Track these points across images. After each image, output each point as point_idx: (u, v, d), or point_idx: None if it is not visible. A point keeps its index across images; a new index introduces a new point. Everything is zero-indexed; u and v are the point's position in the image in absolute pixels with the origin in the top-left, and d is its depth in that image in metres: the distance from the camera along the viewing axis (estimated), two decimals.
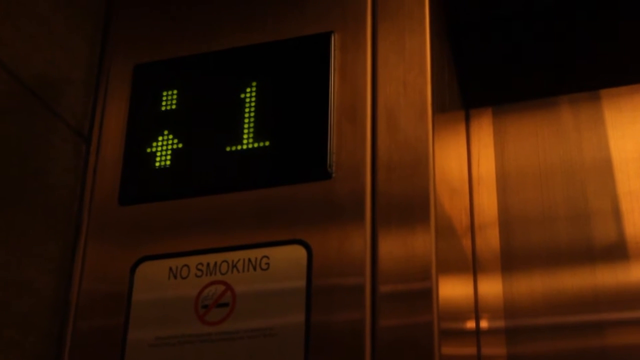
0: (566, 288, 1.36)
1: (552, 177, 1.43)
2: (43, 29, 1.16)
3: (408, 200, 1.05)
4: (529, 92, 1.45)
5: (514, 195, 1.43)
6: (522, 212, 1.42)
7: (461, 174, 1.38)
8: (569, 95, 1.45)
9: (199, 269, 1.08)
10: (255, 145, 1.12)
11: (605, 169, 1.41)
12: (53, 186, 1.15)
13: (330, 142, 1.10)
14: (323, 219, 1.06)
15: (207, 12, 1.24)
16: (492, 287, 1.39)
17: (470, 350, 1.30)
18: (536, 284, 1.37)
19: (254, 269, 1.06)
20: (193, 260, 1.08)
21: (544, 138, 1.45)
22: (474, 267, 1.40)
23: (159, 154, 1.16)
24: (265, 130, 1.13)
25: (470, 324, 1.32)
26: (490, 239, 1.41)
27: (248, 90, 1.15)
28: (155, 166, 1.15)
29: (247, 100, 1.15)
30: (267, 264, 1.06)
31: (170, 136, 1.16)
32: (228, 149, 1.13)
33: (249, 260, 1.07)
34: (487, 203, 1.43)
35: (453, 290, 1.17)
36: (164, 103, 1.18)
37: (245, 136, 1.13)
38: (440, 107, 1.17)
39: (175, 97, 1.18)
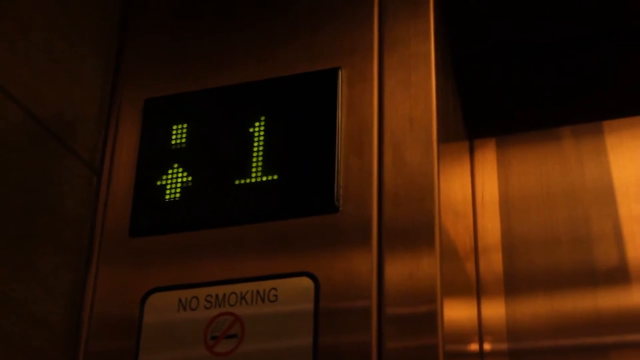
0: (568, 311, 1.37)
1: (555, 204, 1.44)
2: (59, 67, 1.18)
3: (414, 227, 1.07)
4: (532, 123, 1.46)
5: (518, 221, 1.44)
6: (525, 236, 1.43)
7: (465, 199, 1.40)
8: (571, 126, 1.47)
9: (208, 301, 1.09)
10: (264, 178, 1.14)
11: (607, 195, 1.42)
12: (66, 219, 1.16)
13: (338, 176, 1.11)
14: (330, 251, 1.08)
15: (215, 47, 1.25)
16: (495, 310, 1.40)
17: None
18: (539, 307, 1.38)
19: (262, 300, 1.07)
20: (202, 292, 1.10)
21: (547, 167, 1.47)
22: (478, 290, 1.41)
23: (168, 187, 1.17)
24: (274, 164, 1.14)
25: (474, 346, 1.33)
26: (493, 263, 1.43)
27: (257, 124, 1.17)
28: (165, 199, 1.17)
29: (256, 134, 1.17)
30: (275, 295, 1.07)
31: (180, 169, 1.18)
32: (237, 182, 1.15)
33: (257, 292, 1.08)
34: (491, 228, 1.45)
35: (457, 312, 1.19)
36: (173, 137, 1.20)
37: (253, 170, 1.15)
38: (445, 138, 1.19)
39: (185, 131, 1.20)
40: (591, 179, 1.44)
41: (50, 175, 1.15)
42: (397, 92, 1.14)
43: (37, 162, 1.12)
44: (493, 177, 1.48)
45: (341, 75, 1.17)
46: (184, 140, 1.20)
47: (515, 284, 1.40)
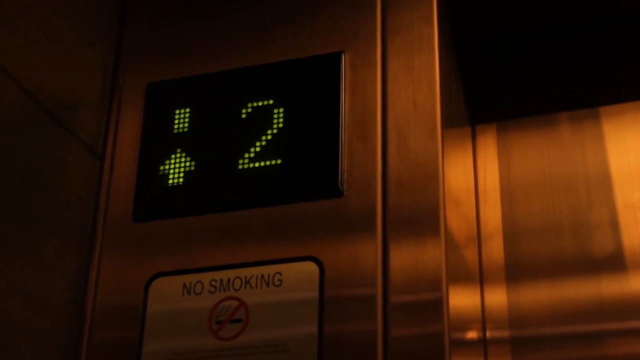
0: (571, 298, 1.37)
1: (557, 190, 1.44)
2: (60, 50, 1.17)
3: (418, 214, 1.06)
4: (533, 109, 1.47)
5: (519, 208, 1.44)
6: (527, 223, 1.43)
7: (468, 187, 1.40)
8: (572, 111, 1.47)
9: (212, 285, 1.09)
10: (268, 163, 1.13)
11: (608, 182, 1.42)
12: (68, 203, 1.16)
13: (342, 160, 1.11)
14: (335, 235, 1.07)
15: (218, 31, 1.25)
16: (498, 297, 1.40)
17: (479, 359, 1.31)
18: (541, 294, 1.38)
19: (267, 285, 1.07)
20: (206, 277, 1.09)
21: (549, 153, 1.47)
22: (481, 278, 1.41)
23: (171, 172, 1.17)
24: (278, 148, 1.14)
25: (478, 334, 1.33)
26: (496, 250, 1.43)
27: (260, 108, 1.17)
28: (168, 184, 1.16)
29: (259, 118, 1.16)
30: (280, 280, 1.07)
31: (183, 154, 1.17)
32: (240, 166, 1.14)
33: (262, 276, 1.08)
34: (493, 215, 1.45)
35: (462, 300, 1.19)
36: (176, 121, 1.19)
37: (257, 154, 1.14)
38: (449, 123, 1.18)
39: (187, 115, 1.19)
40: (593, 164, 1.44)
41: (52, 159, 1.14)
42: (400, 76, 1.14)
43: (38, 145, 1.12)
44: (494, 163, 1.48)
45: (345, 59, 1.16)
46: (186, 124, 1.19)
47: (517, 271, 1.41)
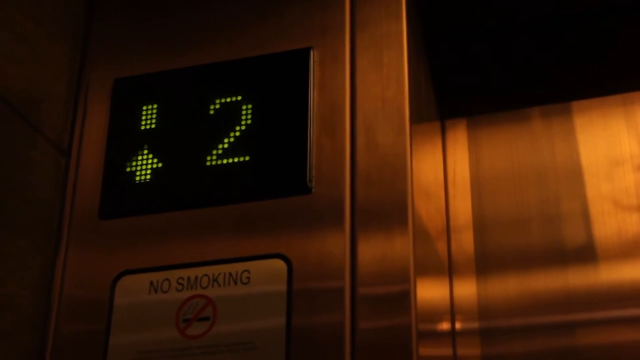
0: (539, 290, 1.38)
1: (526, 183, 1.45)
2: (24, 47, 1.16)
3: (386, 208, 1.06)
4: (503, 104, 1.47)
5: (489, 201, 1.45)
6: (496, 216, 1.44)
7: (437, 180, 1.40)
8: (541, 106, 1.48)
9: (179, 283, 1.08)
10: (236, 159, 1.13)
11: (576, 174, 1.43)
12: (33, 200, 1.14)
13: (310, 157, 1.10)
14: (303, 232, 1.07)
15: (186, 27, 1.24)
16: (467, 289, 1.41)
17: (447, 351, 1.32)
18: (510, 286, 1.39)
19: (235, 282, 1.07)
20: (174, 274, 1.09)
21: (518, 147, 1.47)
22: (450, 270, 1.42)
23: (139, 169, 1.16)
24: (246, 145, 1.13)
25: (446, 325, 1.34)
26: (466, 243, 1.43)
27: (228, 105, 1.16)
28: (135, 180, 1.15)
29: (228, 114, 1.15)
30: (248, 277, 1.07)
31: (150, 155, 1.16)
32: (208, 163, 1.14)
33: (230, 274, 1.07)
34: (463, 208, 1.45)
35: (430, 292, 1.19)
36: (143, 117, 1.18)
37: (225, 151, 1.14)
38: (418, 119, 1.18)
39: (155, 111, 1.18)
40: (562, 158, 1.45)
41: (16, 155, 1.12)
42: (369, 73, 1.14)
43: (2, 142, 1.10)
44: (464, 158, 1.48)
45: (313, 55, 1.16)
46: (154, 121, 1.18)
47: (486, 263, 1.41)
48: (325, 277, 1.04)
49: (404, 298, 1.01)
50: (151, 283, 1.09)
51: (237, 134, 1.14)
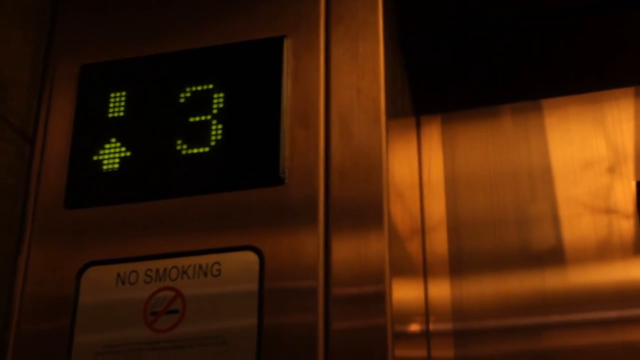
0: (514, 291, 1.37)
1: (501, 182, 1.44)
2: None
3: (361, 205, 1.05)
4: (477, 100, 1.47)
5: (464, 200, 1.44)
6: (471, 216, 1.43)
7: (412, 178, 1.39)
8: (516, 103, 1.48)
9: (148, 275, 1.06)
10: (207, 149, 1.11)
11: (552, 175, 1.43)
12: None
13: (283, 148, 1.09)
14: (275, 225, 1.05)
15: (156, 14, 1.22)
16: (442, 290, 1.40)
17: (421, 352, 1.31)
18: (485, 287, 1.39)
19: (205, 275, 1.05)
20: (142, 266, 1.06)
21: (494, 145, 1.47)
22: (425, 271, 1.41)
23: (106, 157, 1.13)
24: (217, 134, 1.11)
25: (421, 327, 1.33)
26: (440, 243, 1.42)
27: (199, 93, 1.14)
28: (102, 169, 1.13)
29: (198, 103, 1.13)
30: (219, 270, 1.05)
31: (118, 144, 1.13)
32: (178, 152, 1.11)
33: (200, 266, 1.05)
34: (437, 207, 1.44)
35: (405, 293, 1.18)
36: (111, 105, 1.16)
37: (196, 140, 1.11)
38: (393, 113, 1.17)
39: (123, 99, 1.16)
40: (537, 156, 1.45)
41: None
42: (344, 63, 1.13)
43: None
44: (439, 155, 1.48)
45: (286, 44, 1.14)
46: (122, 109, 1.16)
47: (461, 264, 1.41)
48: (298, 276, 1.02)
49: (379, 299, 0.99)
50: (118, 275, 1.07)
51: (209, 122, 1.12)
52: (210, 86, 1.14)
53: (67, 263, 1.08)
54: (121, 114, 1.15)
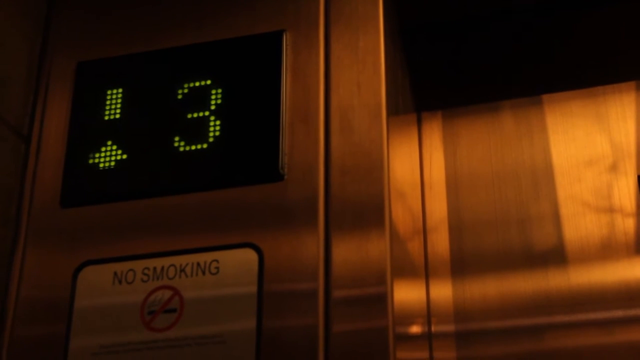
0: (516, 291, 1.36)
1: (503, 180, 1.43)
2: None
3: (362, 204, 1.04)
4: (480, 96, 1.46)
5: (466, 199, 1.43)
6: (473, 215, 1.42)
7: (413, 177, 1.38)
8: (517, 99, 1.47)
9: (145, 274, 1.04)
10: (205, 145, 1.09)
11: (554, 173, 1.42)
12: None
13: (283, 143, 1.07)
14: (275, 222, 1.04)
15: (154, 10, 1.21)
16: (444, 291, 1.39)
17: (423, 354, 1.29)
18: (487, 287, 1.37)
19: (203, 273, 1.03)
20: (139, 265, 1.05)
21: (495, 141, 1.46)
22: (426, 271, 1.40)
23: (103, 155, 1.12)
24: (216, 130, 1.10)
25: (423, 328, 1.31)
26: (442, 243, 1.41)
27: (198, 89, 1.13)
28: (99, 167, 1.12)
29: (197, 99, 1.12)
30: (217, 268, 1.03)
31: (115, 145, 1.13)
32: (176, 149, 1.10)
33: (198, 264, 1.04)
34: (439, 207, 1.43)
35: (406, 294, 1.16)
36: (108, 102, 1.15)
37: (194, 137, 1.10)
38: (394, 109, 1.16)
39: (120, 95, 1.15)
40: (540, 152, 1.43)
41: None
42: (344, 57, 1.12)
43: None
44: (440, 152, 1.47)
45: (286, 39, 1.13)
46: (119, 105, 1.15)
47: (464, 264, 1.39)
48: (297, 278, 1.01)
49: (381, 301, 0.98)
50: (115, 274, 1.05)
51: (208, 119, 1.11)
52: (208, 82, 1.13)
53: (63, 262, 1.07)
54: (118, 110, 1.14)
